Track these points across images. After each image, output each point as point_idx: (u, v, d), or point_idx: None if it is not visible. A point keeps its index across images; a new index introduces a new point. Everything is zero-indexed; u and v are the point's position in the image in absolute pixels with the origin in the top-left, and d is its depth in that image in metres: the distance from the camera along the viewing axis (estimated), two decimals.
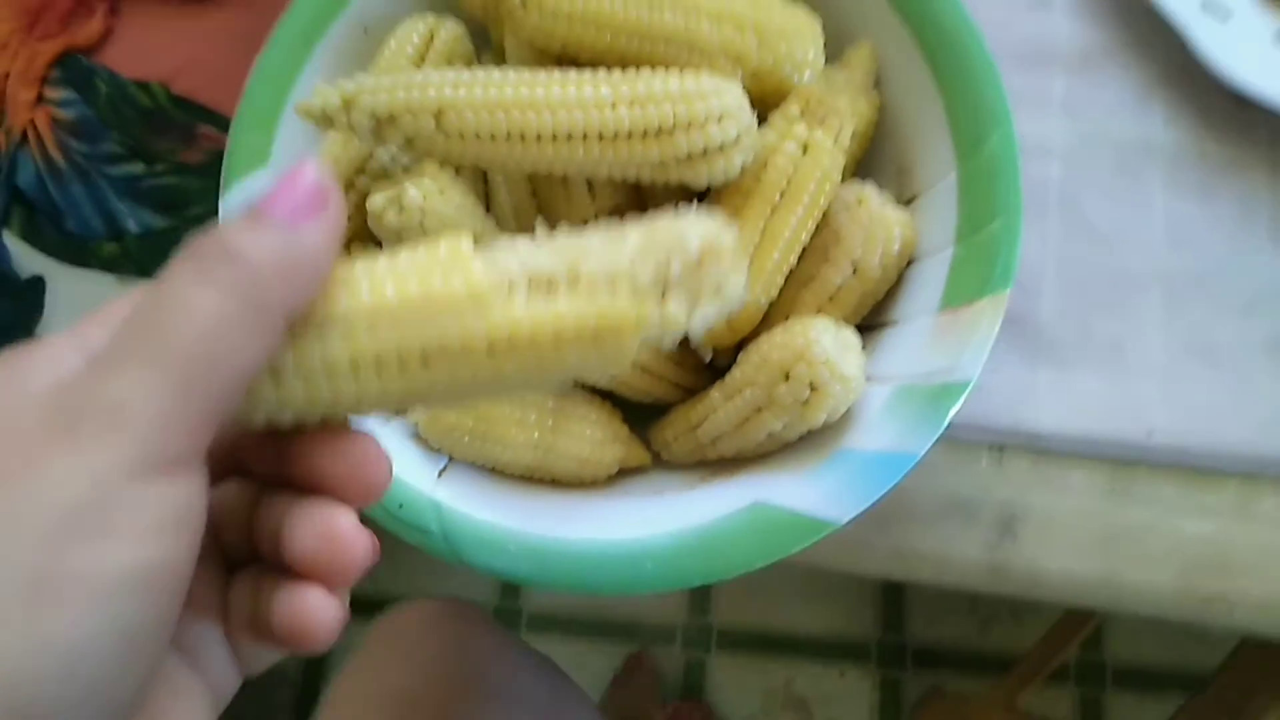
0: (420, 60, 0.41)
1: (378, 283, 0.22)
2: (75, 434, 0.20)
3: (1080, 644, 1.04)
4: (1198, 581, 0.43)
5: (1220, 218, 0.46)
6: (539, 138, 0.36)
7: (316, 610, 0.23)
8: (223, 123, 0.87)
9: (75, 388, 0.20)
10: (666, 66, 0.38)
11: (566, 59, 0.39)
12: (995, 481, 0.44)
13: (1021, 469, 0.44)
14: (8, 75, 0.86)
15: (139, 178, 0.87)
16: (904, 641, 1.16)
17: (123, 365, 0.20)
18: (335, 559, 0.23)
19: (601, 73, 0.36)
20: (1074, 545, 0.43)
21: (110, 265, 0.85)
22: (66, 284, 0.86)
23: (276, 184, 0.23)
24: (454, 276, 0.22)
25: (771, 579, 1.16)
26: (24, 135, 0.87)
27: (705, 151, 0.35)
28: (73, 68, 0.86)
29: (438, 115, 0.36)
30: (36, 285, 0.87)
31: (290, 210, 0.22)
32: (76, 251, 0.87)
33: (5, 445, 0.20)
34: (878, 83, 0.42)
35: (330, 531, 0.23)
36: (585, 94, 0.36)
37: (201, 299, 0.21)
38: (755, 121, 0.37)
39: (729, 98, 0.36)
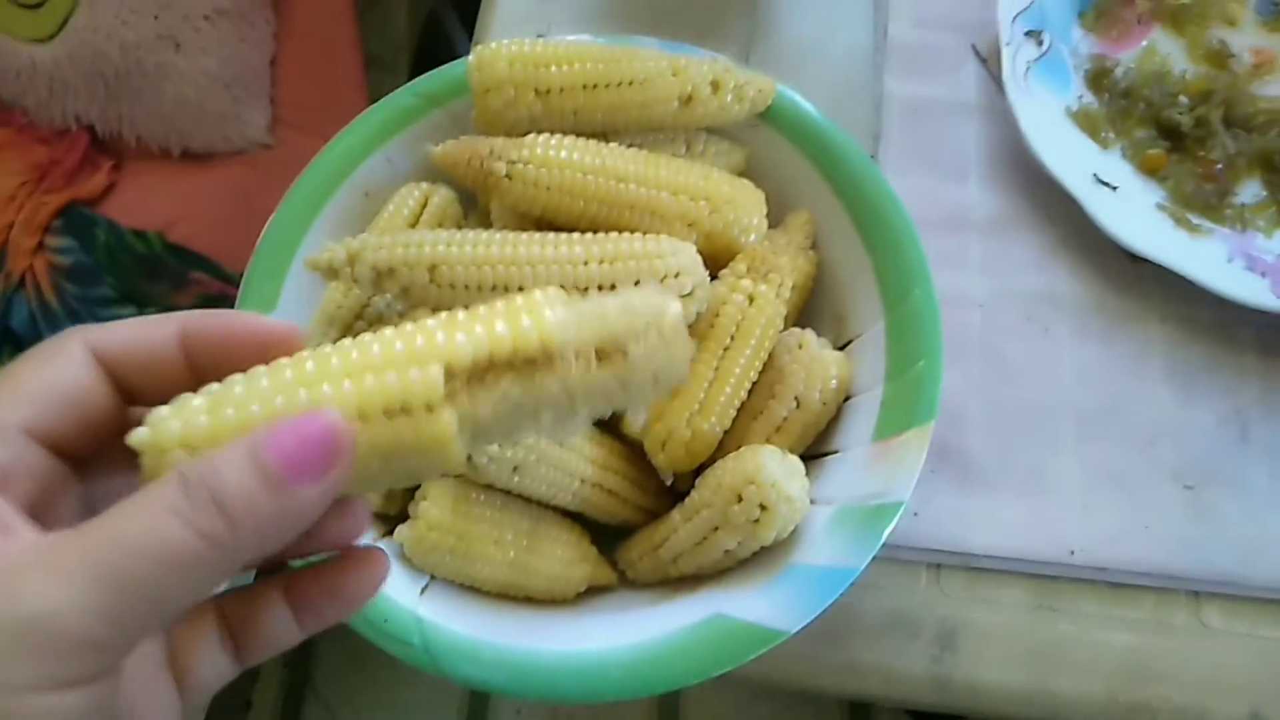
0: (415, 221, 0.47)
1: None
2: None
3: None
4: (1122, 690, 0.46)
5: (1119, 361, 0.52)
6: (520, 289, 0.41)
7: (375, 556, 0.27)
8: (214, 269, 0.92)
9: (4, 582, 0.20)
10: (631, 230, 0.44)
11: (545, 222, 0.45)
12: (935, 599, 0.48)
13: (958, 587, 0.48)
14: (12, 225, 0.92)
15: None
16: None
17: (65, 576, 0.20)
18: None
19: (575, 235, 0.42)
20: (1008, 658, 0.47)
21: None
22: None
23: (287, 426, 0.22)
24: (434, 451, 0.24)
25: (740, 714, 1.16)
26: (21, 280, 0.92)
27: None
28: (75, 217, 0.92)
29: (431, 269, 0.41)
30: None
31: (291, 465, 0.22)
32: None
33: None
34: (815, 244, 0.49)
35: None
36: (561, 253, 0.41)
37: (171, 535, 0.20)
38: (707, 277, 0.43)
39: (685, 257, 0.41)
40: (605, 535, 0.46)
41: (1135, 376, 0.52)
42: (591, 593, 0.45)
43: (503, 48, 0.45)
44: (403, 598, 0.40)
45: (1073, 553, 0.48)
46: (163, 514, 0.21)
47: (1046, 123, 0.56)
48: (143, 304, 0.93)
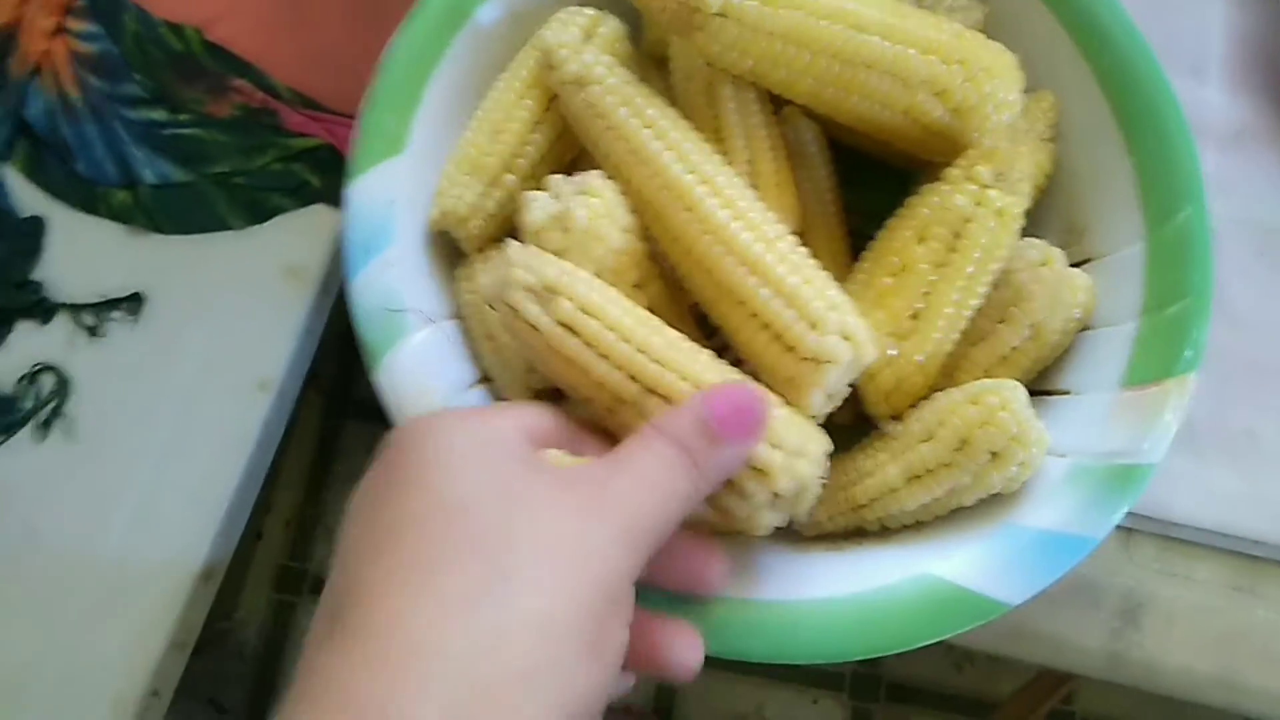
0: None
1: None
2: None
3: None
4: None
5: None
6: None
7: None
8: (258, 78, 0.81)
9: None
10: (860, 97, 0.35)
11: (748, 82, 0.36)
12: (1121, 566, 0.42)
13: (1148, 556, 0.43)
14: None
15: (160, 125, 0.81)
16: (879, 674, 1.15)
17: (613, 537, 0.26)
18: None
19: None
20: (1196, 641, 0.42)
21: (120, 215, 0.79)
22: (70, 229, 0.80)
23: (722, 394, 0.29)
24: None
25: (741, 701, 1.14)
26: (38, 66, 0.80)
27: None
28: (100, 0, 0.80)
29: None
30: (36, 226, 0.80)
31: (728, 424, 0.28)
32: (85, 196, 0.80)
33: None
34: (1055, 135, 0.40)
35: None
36: None
37: (679, 487, 0.27)
38: None
39: None
40: None
41: None
42: None
43: None
44: None
45: None
46: (668, 470, 0.27)
47: None
48: (175, 108, 0.82)
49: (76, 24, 0.80)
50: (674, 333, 0.32)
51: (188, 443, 0.58)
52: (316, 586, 1.05)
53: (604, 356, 0.30)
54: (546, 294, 0.30)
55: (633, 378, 0.30)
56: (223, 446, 0.57)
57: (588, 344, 0.30)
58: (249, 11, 0.82)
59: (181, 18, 0.80)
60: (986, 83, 0.35)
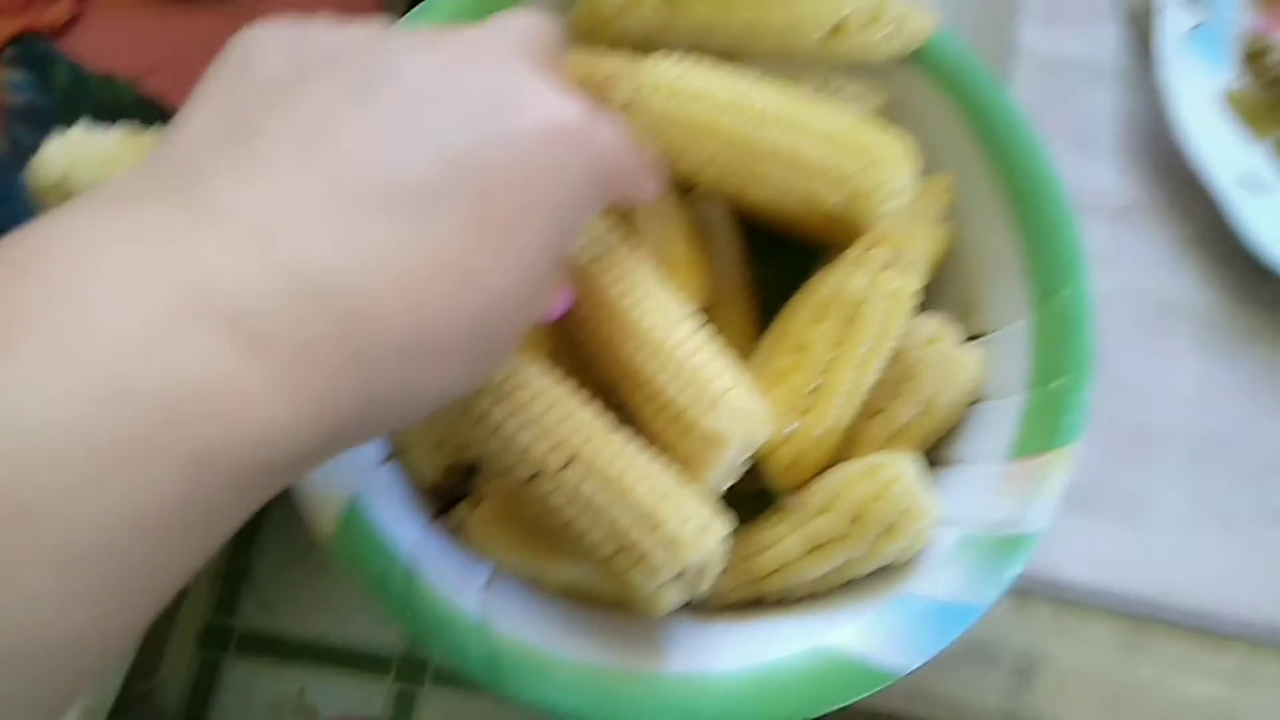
0: None
1: None
2: None
3: None
4: None
5: (1243, 383, 0.47)
6: None
7: None
8: None
9: None
10: (762, 185, 0.37)
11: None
12: (1015, 628, 0.44)
13: (1042, 617, 0.44)
14: None
15: None
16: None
17: None
18: None
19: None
20: (1087, 699, 0.43)
21: None
22: None
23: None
24: None
25: None
26: None
27: None
28: (31, 49, 0.80)
29: None
30: None
31: None
32: None
33: None
34: (950, 215, 0.42)
35: None
36: None
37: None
38: None
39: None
40: None
41: (1258, 403, 0.47)
42: None
43: None
44: (461, 594, 0.34)
45: (1169, 593, 0.44)
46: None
47: (1195, 103, 0.50)
48: None
49: (6, 73, 0.79)
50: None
51: None
52: (244, 643, 1.03)
53: None
54: None
55: None
56: None
57: None
58: (181, 66, 0.82)
59: (114, 69, 0.80)
60: (880, 171, 0.37)
